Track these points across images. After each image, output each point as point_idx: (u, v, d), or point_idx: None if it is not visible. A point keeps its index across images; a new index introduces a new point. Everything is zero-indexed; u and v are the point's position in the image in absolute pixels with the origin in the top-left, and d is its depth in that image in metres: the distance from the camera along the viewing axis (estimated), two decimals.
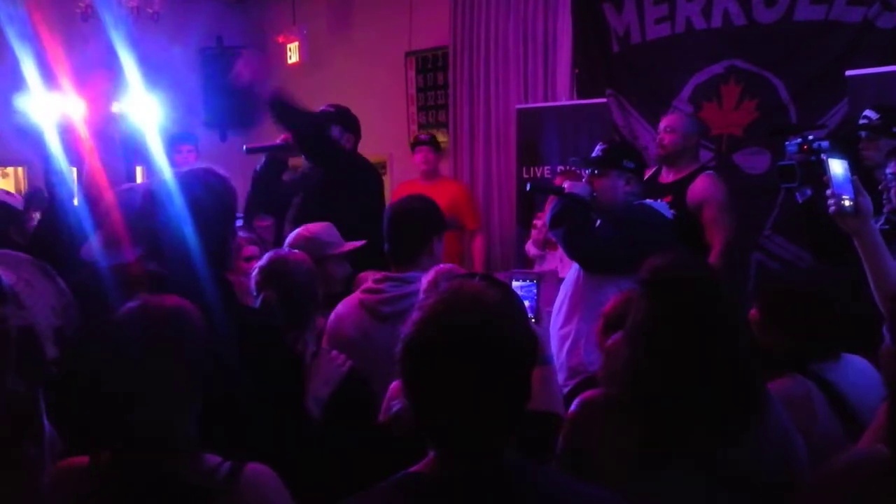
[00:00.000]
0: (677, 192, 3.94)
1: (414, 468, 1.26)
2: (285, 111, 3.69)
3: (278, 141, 3.90)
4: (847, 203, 2.05)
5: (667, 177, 4.10)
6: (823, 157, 2.15)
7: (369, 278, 2.78)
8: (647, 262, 1.75)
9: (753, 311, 2.17)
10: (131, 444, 1.52)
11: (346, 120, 3.98)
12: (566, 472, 1.68)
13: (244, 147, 4.06)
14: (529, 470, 1.24)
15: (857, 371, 2.11)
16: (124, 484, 1.48)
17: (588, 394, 1.83)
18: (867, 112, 3.41)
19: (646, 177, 4.01)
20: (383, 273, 2.73)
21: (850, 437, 1.93)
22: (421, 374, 1.21)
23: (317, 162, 3.89)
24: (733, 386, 1.63)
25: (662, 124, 4.18)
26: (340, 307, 2.76)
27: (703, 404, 1.60)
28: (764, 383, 1.75)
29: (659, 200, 3.47)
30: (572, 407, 1.75)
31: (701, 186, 3.93)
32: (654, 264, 1.74)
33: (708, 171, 4.09)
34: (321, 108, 3.98)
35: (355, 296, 2.77)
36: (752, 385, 1.68)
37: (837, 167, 2.06)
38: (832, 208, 2.07)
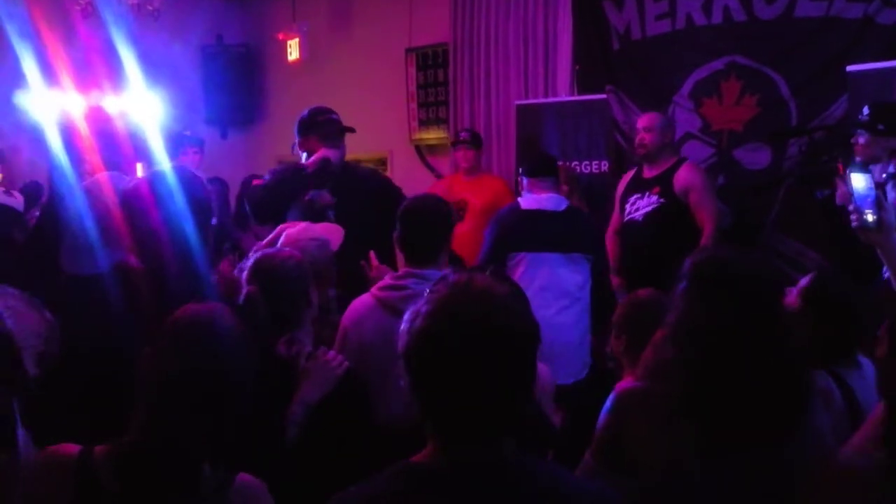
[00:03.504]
0: (663, 183, 4.35)
1: (413, 458, 1.27)
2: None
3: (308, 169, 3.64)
4: (870, 218, 2.03)
5: (650, 172, 4.46)
6: (847, 170, 2.14)
7: (386, 276, 2.74)
8: (690, 258, 1.74)
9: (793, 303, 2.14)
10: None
11: (318, 181, 3.65)
12: (603, 462, 1.71)
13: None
14: (529, 462, 1.25)
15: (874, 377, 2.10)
16: (120, 483, 1.47)
17: (625, 385, 1.82)
18: (865, 107, 3.41)
19: (630, 176, 4.58)
20: (405, 269, 2.68)
21: None
22: (432, 364, 1.22)
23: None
24: (784, 382, 1.62)
25: (640, 125, 4.53)
26: (357, 305, 2.72)
27: (754, 401, 1.59)
28: (812, 381, 1.72)
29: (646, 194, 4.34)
30: (610, 398, 1.76)
31: (684, 176, 4.34)
32: (698, 260, 1.72)
33: (687, 162, 4.49)
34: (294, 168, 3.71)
35: (370, 294, 2.73)
36: (802, 382, 1.66)
37: (860, 181, 2.04)
38: (854, 223, 2.05)
